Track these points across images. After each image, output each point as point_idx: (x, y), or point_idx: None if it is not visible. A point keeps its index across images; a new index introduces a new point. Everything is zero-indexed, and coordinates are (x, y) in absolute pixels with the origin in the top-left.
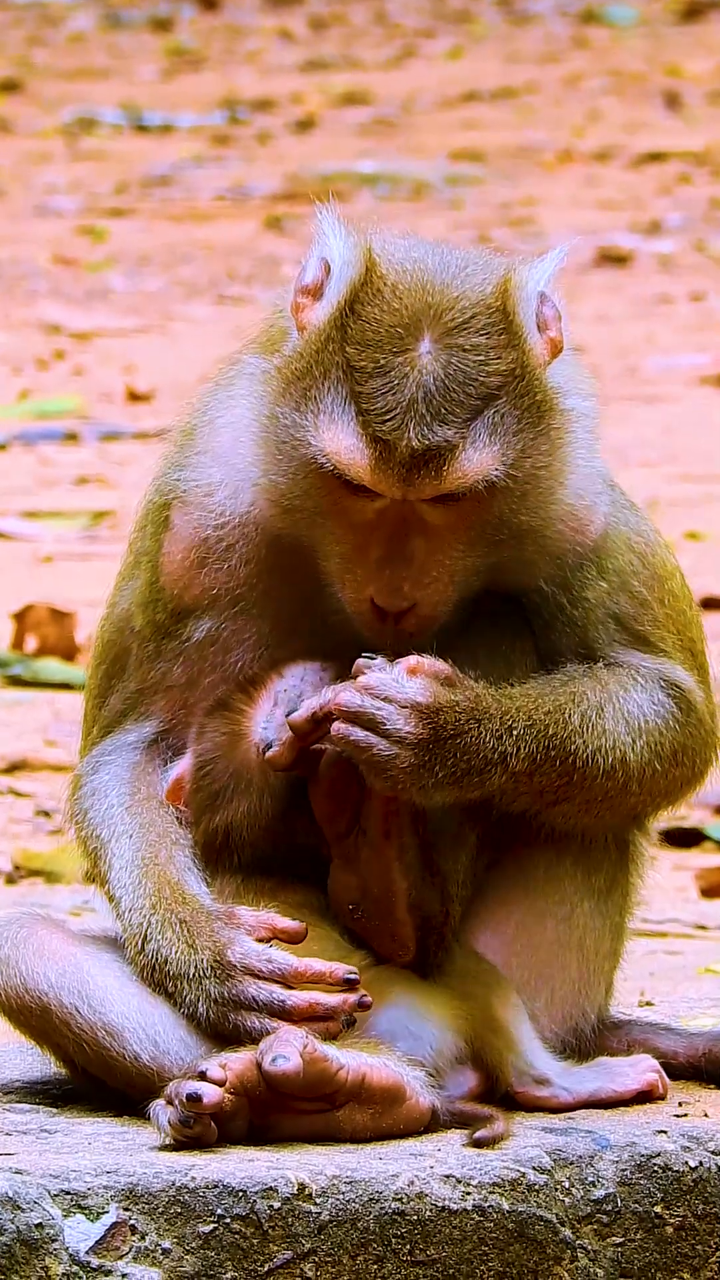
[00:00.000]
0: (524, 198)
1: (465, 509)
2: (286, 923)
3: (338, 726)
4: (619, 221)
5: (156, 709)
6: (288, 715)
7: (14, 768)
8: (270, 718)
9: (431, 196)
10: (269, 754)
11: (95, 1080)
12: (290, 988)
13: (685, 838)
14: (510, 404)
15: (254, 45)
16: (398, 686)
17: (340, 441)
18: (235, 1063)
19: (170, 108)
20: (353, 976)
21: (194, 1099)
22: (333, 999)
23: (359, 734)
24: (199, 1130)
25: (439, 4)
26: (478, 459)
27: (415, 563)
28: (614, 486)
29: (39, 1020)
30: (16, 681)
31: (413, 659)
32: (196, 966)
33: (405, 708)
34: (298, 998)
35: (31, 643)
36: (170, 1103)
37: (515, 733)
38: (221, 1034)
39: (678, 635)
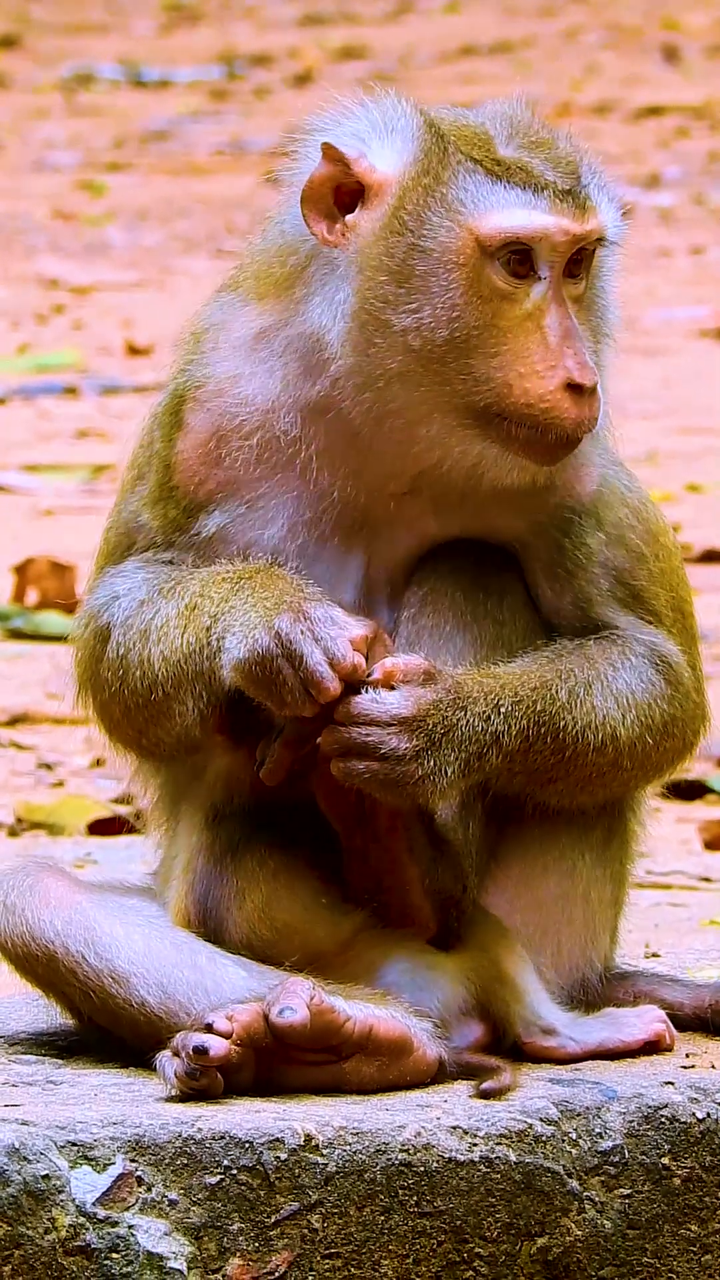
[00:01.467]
0: None
1: (583, 295)
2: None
3: (336, 766)
4: (618, 175)
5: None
6: (275, 740)
7: (15, 720)
8: None
9: None
10: (261, 773)
11: (102, 1030)
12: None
13: (688, 790)
14: (610, 185)
15: (251, 0)
16: (379, 706)
17: (509, 203)
18: (242, 1014)
19: (168, 63)
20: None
21: (200, 1051)
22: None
23: (358, 765)
24: (205, 1082)
25: None
26: (608, 213)
27: (584, 339)
28: (606, 444)
29: (45, 968)
30: (17, 634)
31: (388, 662)
32: (274, 597)
33: (392, 724)
34: (334, 684)
35: (32, 596)
36: (177, 1055)
37: (503, 710)
38: (256, 677)
39: (670, 592)
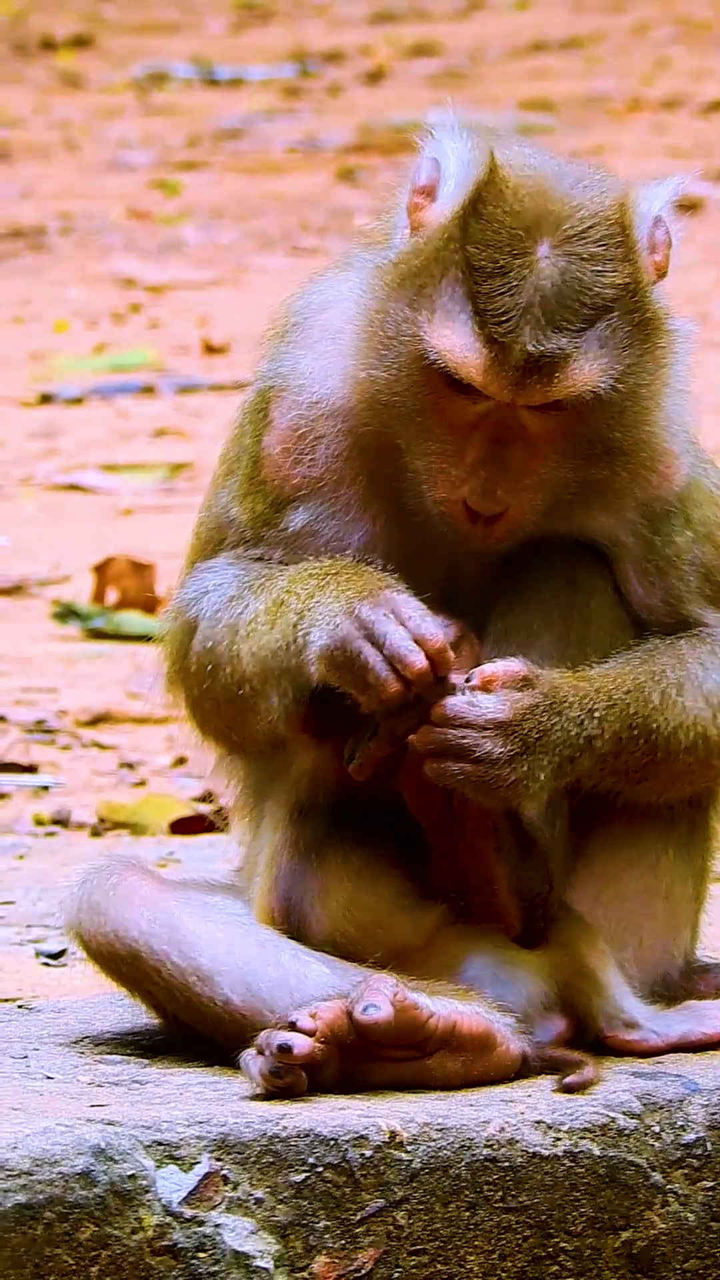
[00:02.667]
0: (594, 146)
1: (566, 419)
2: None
3: (430, 767)
4: (689, 169)
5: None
6: (369, 739)
7: (97, 720)
8: None
9: None
10: (351, 767)
11: (186, 1029)
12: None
13: None
14: (622, 318)
15: None
16: (475, 710)
17: (454, 340)
18: (326, 1011)
19: (240, 61)
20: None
21: (285, 1050)
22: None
23: (453, 767)
24: (290, 1080)
25: None
26: (588, 369)
27: (512, 469)
28: (694, 442)
29: (130, 967)
30: (98, 634)
31: (487, 669)
32: (357, 588)
33: (487, 728)
34: (419, 658)
35: (112, 595)
36: (261, 1052)
37: (597, 715)
38: (338, 662)
39: None
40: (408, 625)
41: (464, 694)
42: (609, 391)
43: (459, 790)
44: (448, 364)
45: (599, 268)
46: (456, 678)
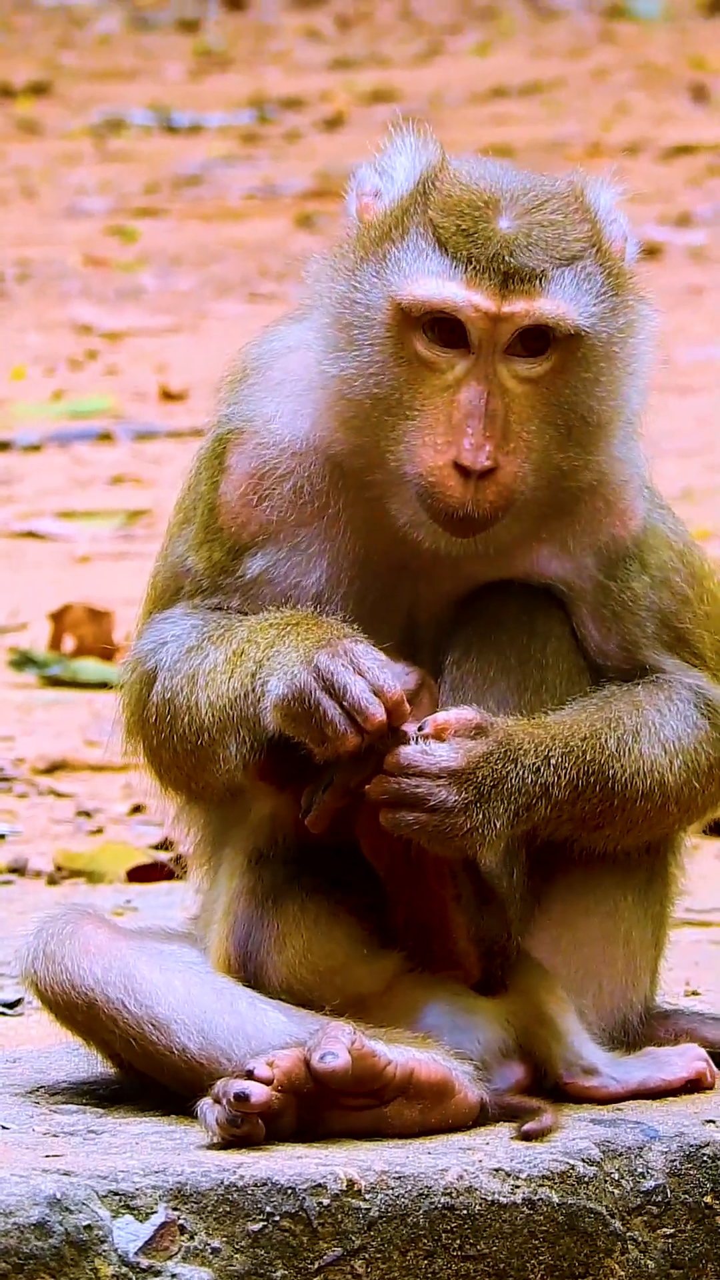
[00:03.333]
0: None
1: (542, 377)
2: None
3: (386, 816)
4: (649, 214)
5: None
6: (323, 790)
7: (54, 768)
8: None
9: None
10: (307, 819)
11: (143, 1078)
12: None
13: None
14: (592, 267)
15: (281, 44)
16: (429, 758)
17: (430, 277)
18: (283, 1060)
19: (199, 108)
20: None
21: (242, 1098)
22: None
23: (408, 816)
24: (247, 1129)
25: (465, 0)
26: (566, 297)
27: (498, 423)
28: (650, 487)
29: (86, 1016)
30: (55, 682)
31: (440, 717)
32: (315, 638)
33: (441, 777)
34: (379, 710)
35: (69, 643)
36: (218, 1101)
37: (553, 762)
38: (295, 713)
39: (714, 635)
40: (366, 676)
41: (417, 742)
42: (589, 329)
43: (415, 839)
44: (429, 300)
45: (561, 230)
46: (410, 726)
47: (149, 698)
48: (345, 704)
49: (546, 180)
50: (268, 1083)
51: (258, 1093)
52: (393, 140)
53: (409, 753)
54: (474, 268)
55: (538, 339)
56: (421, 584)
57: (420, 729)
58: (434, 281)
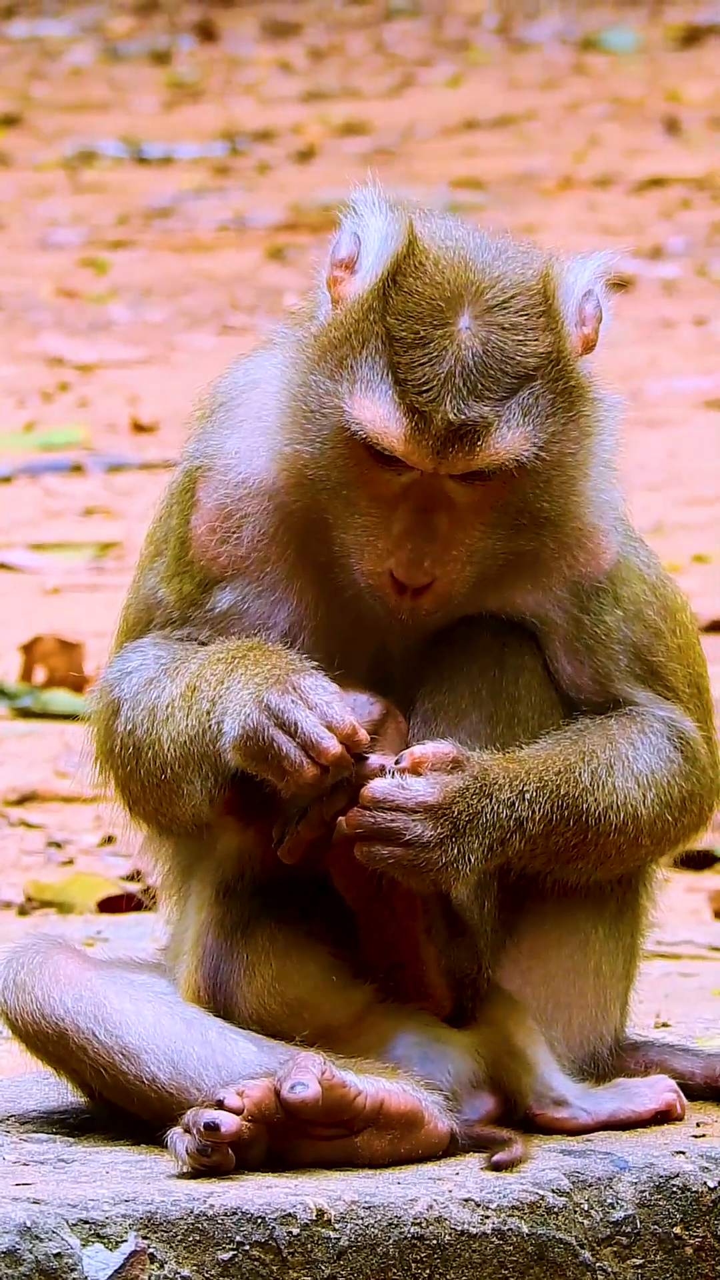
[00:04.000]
0: (525, 224)
1: (491, 489)
2: (346, 721)
3: (359, 850)
4: (621, 247)
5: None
6: (297, 822)
7: (24, 799)
8: None
9: None
10: (280, 850)
11: (113, 1108)
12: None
13: (698, 860)
14: (545, 387)
15: (253, 76)
16: (404, 793)
17: (375, 411)
18: (253, 1090)
19: (170, 139)
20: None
21: (211, 1128)
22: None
23: (382, 851)
24: (217, 1159)
25: (437, 32)
26: (510, 438)
27: (439, 539)
28: (623, 519)
29: (56, 1046)
30: (26, 713)
31: (416, 751)
32: (264, 673)
33: (417, 811)
34: (332, 743)
35: (40, 674)
36: (188, 1131)
37: (528, 796)
38: (253, 752)
39: (687, 668)
40: (316, 711)
41: (392, 776)
42: (533, 460)
43: (389, 873)
44: (369, 435)
45: (521, 337)
46: (385, 759)
47: (115, 729)
48: (299, 739)
49: (516, 266)
50: (238, 1112)
51: (228, 1123)
52: (364, 202)
53: (384, 787)
54: (417, 421)
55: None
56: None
57: (396, 762)
58: (378, 420)
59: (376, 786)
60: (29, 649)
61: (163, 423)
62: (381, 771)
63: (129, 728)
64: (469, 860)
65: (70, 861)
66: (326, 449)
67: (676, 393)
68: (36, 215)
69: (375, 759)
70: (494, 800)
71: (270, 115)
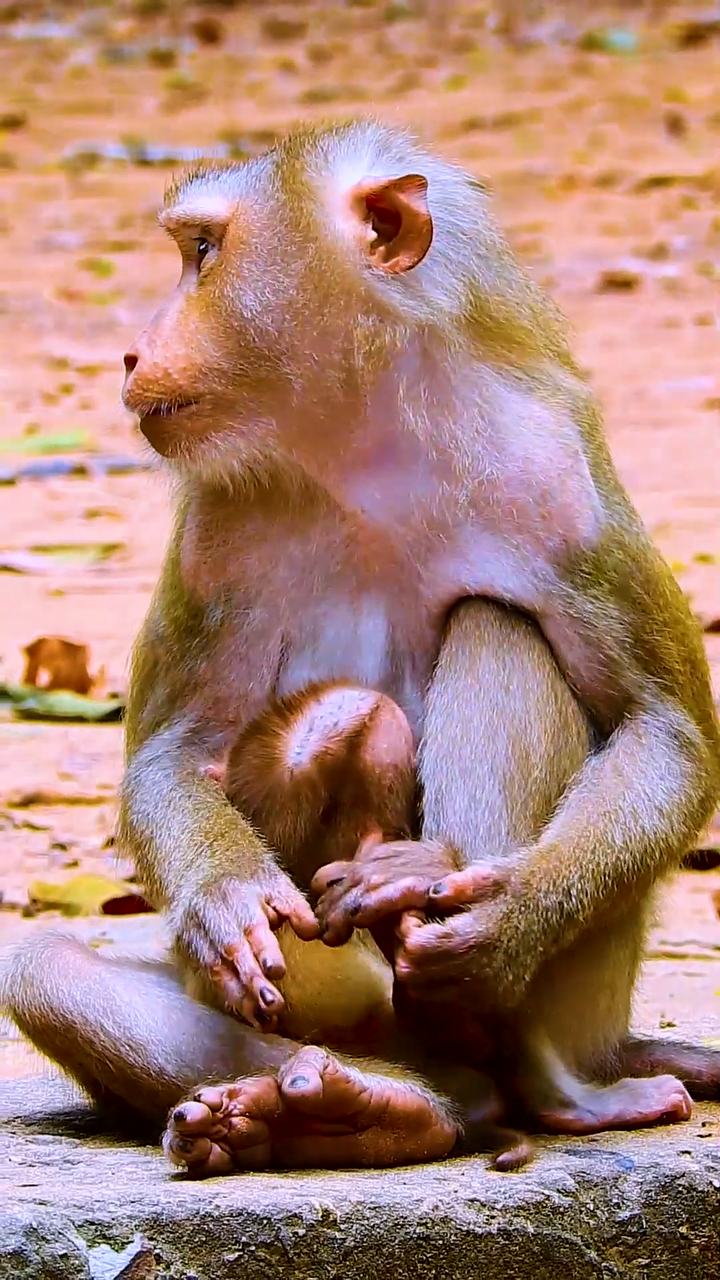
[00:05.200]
0: (528, 224)
1: (210, 276)
2: (309, 918)
3: (424, 995)
4: (624, 247)
5: (189, 707)
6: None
7: (29, 801)
8: (305, 743)
9: None
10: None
11: (118, 1105)
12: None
13: (702, 860)
14: (246, 167)
15: (255, 77)
16: (453, 941)
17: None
18: (253, 1085)
19: (173, 141)
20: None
21: (179, 1118)
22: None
23: (448, 992)
24: (196, 1154)
25: (439, 33)
26: (199, 194)
27: (161, 321)
28: (617, 490)
29: (63, 1039)
30: (30, 715)
31: (458, 879)
32: (200, 873)
33: (469, 951)
34: (244, 954)
35: (44, 676)
36: (167, 1128)
37: (573, 891)
38: (179, 947)
39: (679, 644)
40: (235, 916)
41: (439, 921)
42: (226, 221)
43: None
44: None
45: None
46: (424, 883)
47: (129, 822)
48: (217, 947)
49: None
50: (215, 1106)
51: (194, 1111)
52: None
53: (428, 940)
54: (165, 192)
55: (200, 241)
56: (387, 604)
57: (436, 890)
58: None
59: (423, 940)
60: (33, 651)
61: None
62: (421, 898)
63: (135, 839)
64: (525, 977)
65: (75, 863)
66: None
67: (680, 393)
68: (39, 217)
69: (411, 922)
70: (540, 910)
71: (272, 116)
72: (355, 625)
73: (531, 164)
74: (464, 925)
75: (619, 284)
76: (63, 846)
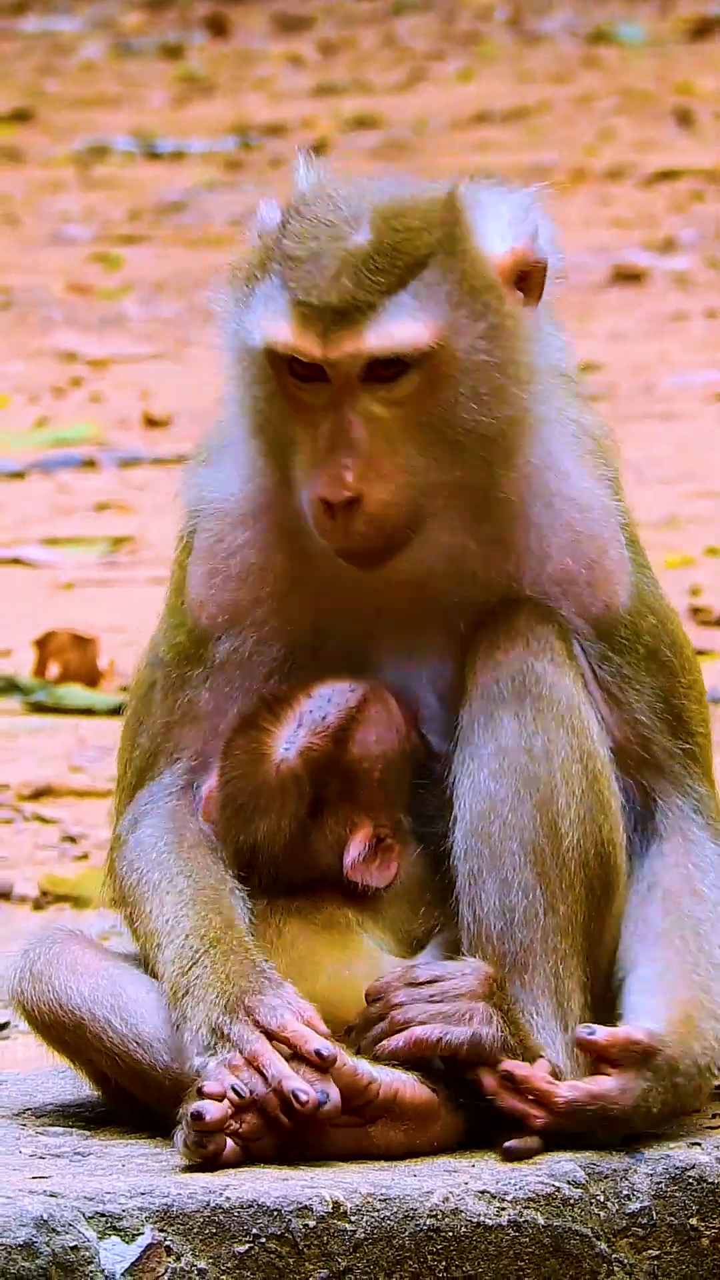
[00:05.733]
0: None
1: (408, 399)
2: (320, 1044)
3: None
4: (633, 240)
5: (186, 742)
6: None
7: (39, 794)
8: (293, 739)
9: None
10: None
11: (128, 1099)
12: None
13: None
14: (442, 276)
15: (264, 71)
16: (598, 1105)
17: (269, 315)
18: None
19: (182, 134)
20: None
21: (197, 1117)
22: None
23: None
24: (212, 1149)
25: (448, 26)
26: (402, 322)
27: (360, 451)
28: (641, 553)
29: (72, 1036)
30: (40, 708)
31: (603, 1035)
32: (219, 994)
33: (605, 1114)
34: (264, 1090)
35: (54, 669)
36: (180, 1123)
37: (712, 1067)
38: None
39: (700, 705)
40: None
41: (588, 1080)
42: (432, 350)
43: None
44: (266, 340)
45: (412, 234)
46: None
47: (126, 888)
48: (267, 1080)
49: (419, 189)
50: (219, 1097)
51: (212, 1111)
52: (293, 169)
53: (574, 1098)
54: (303, 310)
55: (390, 364)
56: (412, 653)
57: (589, 1032)
58: (273, 325)
59: (569, 1097)
60: (42, 644)
61: (175, 417)
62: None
63: (125, 893)
64: (649, 1121)
65: (85, 856)
66: (261, 389)
67: (688, 386)
68: (48, 211)
69: (563, 1087)
70: (678, 1088)
71: (281, 110)
72: (374, 669)
73: (540, 157)
74: (611, 1091)
75: (627, 277)
76: (73, 839)
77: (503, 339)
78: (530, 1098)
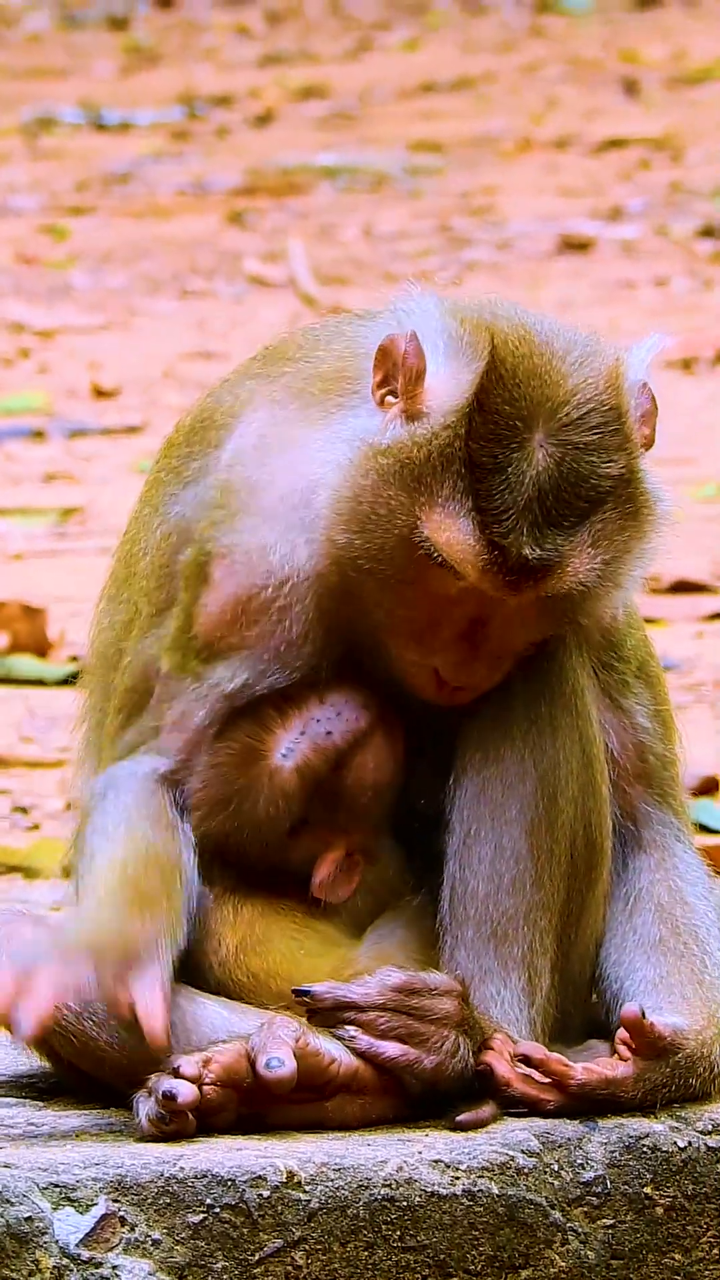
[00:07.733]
0: (484, 186)
1: (547, 603)
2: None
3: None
4: (580, 208)
5: (172, 746)
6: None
7: None
8: (294, 746)
9: (391, 187)
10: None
11: (82, 1074)
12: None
13: None
14: (616, 510)
15: (210, 41)
16: (610, 1092)
17: (455, 537)
18: (223, 1055)
19: (129, 105)
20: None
21: (169, 1097)
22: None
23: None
24: (174, 1127)
25: None
26: (578, 566)
27: (489, 646)
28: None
29: None
30: None
31: (661, 1023)
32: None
33: (617, 1100)
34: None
35: (3, 639)
36: (150, 1095)
37: (713, 1054)
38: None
39: (672, 721)
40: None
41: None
42: (596, 583)
43: None
44: (445, 559)
45: (594, 458)
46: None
47: (82, 833)
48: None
49: (587, 369)
50: (194, 1080)
51: (185, 1092)
52: (420, 307)
53: (595, 1082)
54: (496, 555)
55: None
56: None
57: (648, 1012)
58: (458, 549)
59: (584, 1080)
60: None
61: (123, 388)
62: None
63: (85, 851)
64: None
65: (36, 826)
66: (388, 550)
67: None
68: None
69: (578, 1067)
70: (688, 1084)
71: (228, 80)
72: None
73: (487, 126)
74: (624, 1079)
75: (575, 246)
76: (24, 810)
77: (645, 555)
78: (546, 1080)
